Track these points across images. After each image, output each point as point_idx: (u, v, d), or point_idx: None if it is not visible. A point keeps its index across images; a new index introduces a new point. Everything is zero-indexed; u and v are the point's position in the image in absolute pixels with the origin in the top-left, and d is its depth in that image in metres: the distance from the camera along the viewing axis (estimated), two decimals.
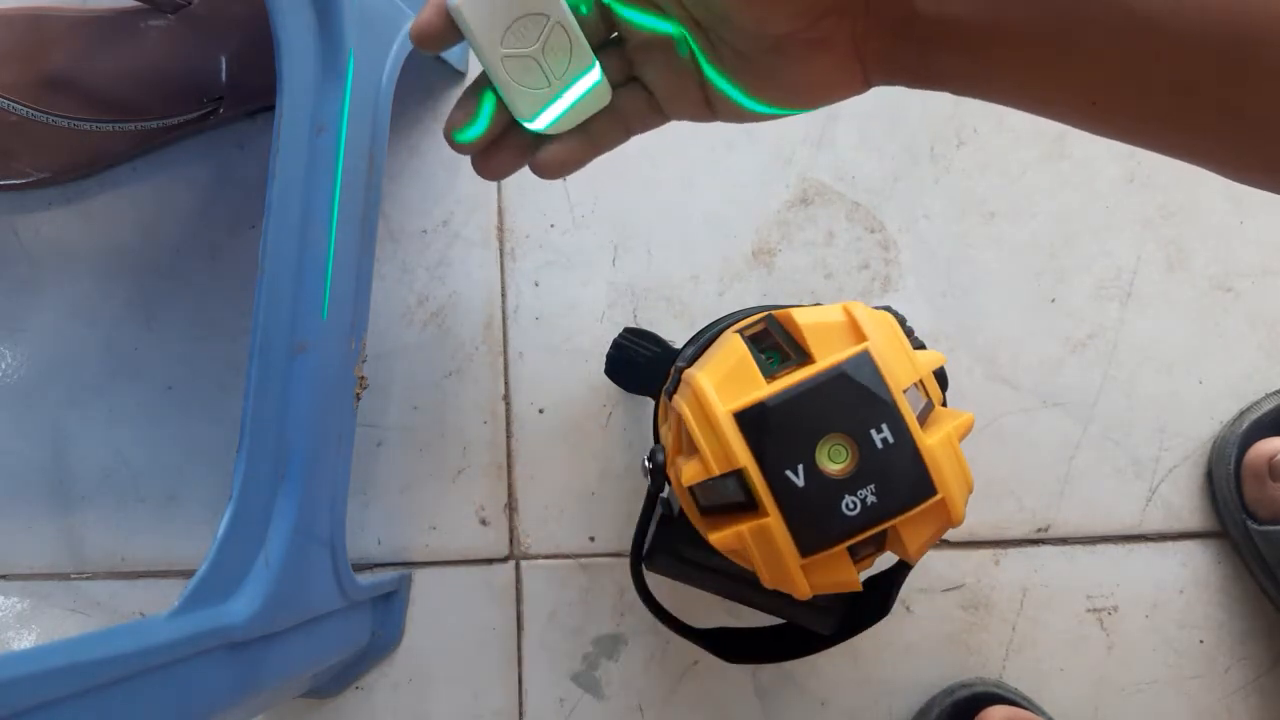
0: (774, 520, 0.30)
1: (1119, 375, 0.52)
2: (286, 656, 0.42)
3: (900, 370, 0.31)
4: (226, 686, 0.37)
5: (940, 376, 0.37)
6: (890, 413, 0.30)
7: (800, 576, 0.30)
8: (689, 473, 0.32)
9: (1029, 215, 0.53)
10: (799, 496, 0.30)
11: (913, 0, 0.27)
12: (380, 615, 0.53)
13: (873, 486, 0.30)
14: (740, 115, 0.32)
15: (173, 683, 0.33)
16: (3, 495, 0.57)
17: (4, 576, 0.57)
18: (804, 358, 0.32)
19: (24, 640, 0.56)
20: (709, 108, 0.32)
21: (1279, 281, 0.52)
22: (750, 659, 0.46)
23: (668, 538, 0.40)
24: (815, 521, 0.30)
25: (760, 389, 0.31)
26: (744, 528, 0.31)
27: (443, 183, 0.57)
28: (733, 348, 0.32)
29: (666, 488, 0.37)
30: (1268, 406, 0.50)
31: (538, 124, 0.32)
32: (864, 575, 0.42)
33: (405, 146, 0.57)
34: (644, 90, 0.33)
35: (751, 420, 0.30)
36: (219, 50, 0.53)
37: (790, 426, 0.30)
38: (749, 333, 0.34)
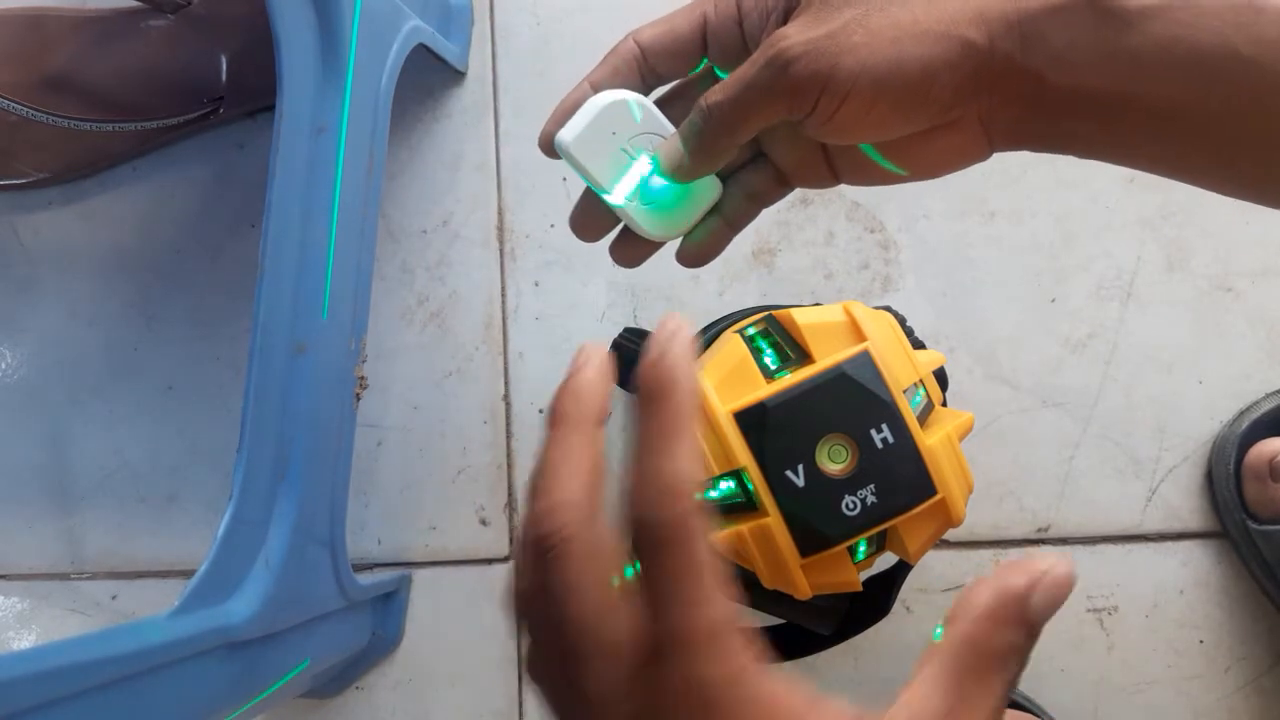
0: (774, 520, 0.30)
1: (1119, 375, 0.52)
2: (286, 656, 0.42)
3: (900, 370, 0.31)
4: (226, 686, 0.37)
5: (940, 376, 0.37)
6: (890, 413, 0.30)
7: (800, 577, 0.30)
8: None
9: (1029, 215, 0.53)
10: (799, 497, 0.30)
11: (1044, 75, 0.26)
12: (380, 615, 0.53)
13: (873, 486, 0.30)
14: (863, 182, 0.33)
15: (173, 683, 0.33)
16: (3, 495, 0.57)
17: (4, 576, 0.57)
18: (804, 358, 0.32)
19: (24, 640, 0.56)
20: (834, 175, 0.33)
21: (1279, 281, 0.52)
22: None
23: None
24: (815, 522, 0.30)
25: (760, 389, 0.31)
26: (744, 528, 0.31)
27: (443, 182, 0.56)
28: (733, 348, 0.32)
29: None
30: (1268, 406, 0.49)
31: (658, 235, 0.34)
32: (864, 575, 0.42)
33: (405, 146, 0.57)
34: (770, 165, 0.34)
35: (751, 420, 0.30)
36: (219, 50, 0.53)
37: (790, 426, 0.30)
38: (749, 333, 0.34)
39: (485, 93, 0.57)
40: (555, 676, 0.23)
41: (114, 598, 0.56)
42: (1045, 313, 0.53)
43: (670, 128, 0.33)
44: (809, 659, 0.51)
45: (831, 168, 0.33)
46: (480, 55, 0.57)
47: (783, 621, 0.44)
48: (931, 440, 0.30)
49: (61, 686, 0.28)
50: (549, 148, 0.33)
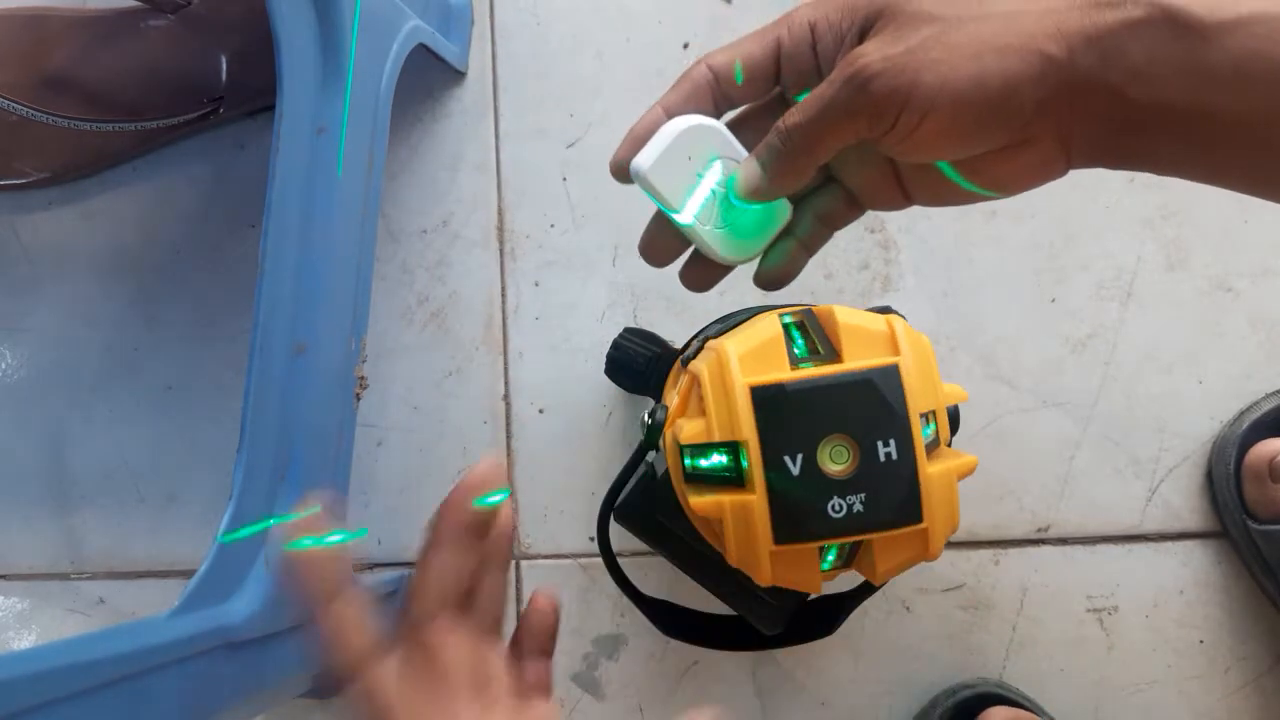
0: (758, 499, 0.30)
1: (1119, 375, 0.52)
2: (286, 656, 0.42)
3: (923, 395, 0.31)
4: (226, 686, 0.37)
5: (953, 417, 0.37)
6: (901, 430, 0.30)
7: (766, 562, 0.31)
8: (689, 431, 0.32)
9: (1029, 215, 0.53)
10: (789, 484, 0.30)
11: (1124, 90, 0.26)
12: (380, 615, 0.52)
13: (863, 496, 0.30)
14: (936, 203, 0.33)
15: (173, 683, 0.33)
16: (3, 495, 0.57)
17: (4, 576, 0.57)
18: (832, 356, 0.32)
19: (24, 640, 0.56)
20: (906, 197, 0.33)
21: (1279, 281, 0.52)
22: (688, 639, 0.45)
23: (644, 495, 0.40)
24: (798, 513, 0.30)
25: (783, 371, 0.31)
26: (725, 499, 0.31)
27: (443, 183, 0.57)
28: (768, 325, 0.32)
29: (652, 453, 0.37)
30: (1268, 407, 0.49)
31: (730, 259, 0.34)
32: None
33: (405, 146, 0.57)
34: (842, 188, 0.34)
35: (766, 399, 0.30)
36: (219, 50, 0.53)
37: (801, 415, 0.30)
38: (785, 320, 0.34)
39: (485, 93, 0.57)
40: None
41: (111, 598, 0.56)
42: (1045, 313, 0.53)
43: (744, 152, 0.33)
44: (810, 660, 0.51)
45: (903, 189, 0.33)
46: (480, 55, 0.57)
47: (731, 615, 0.44)
48: (933, 469, 0.30)
49: (61, 686, 0.28)
50: (622, 174, 0.33)
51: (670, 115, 0.32)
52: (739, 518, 0.30)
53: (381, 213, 0.54)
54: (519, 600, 0.53)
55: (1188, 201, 0.53)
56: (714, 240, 0.33)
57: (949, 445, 0.34)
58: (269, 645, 0.40)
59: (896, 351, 0.31)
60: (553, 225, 0.55)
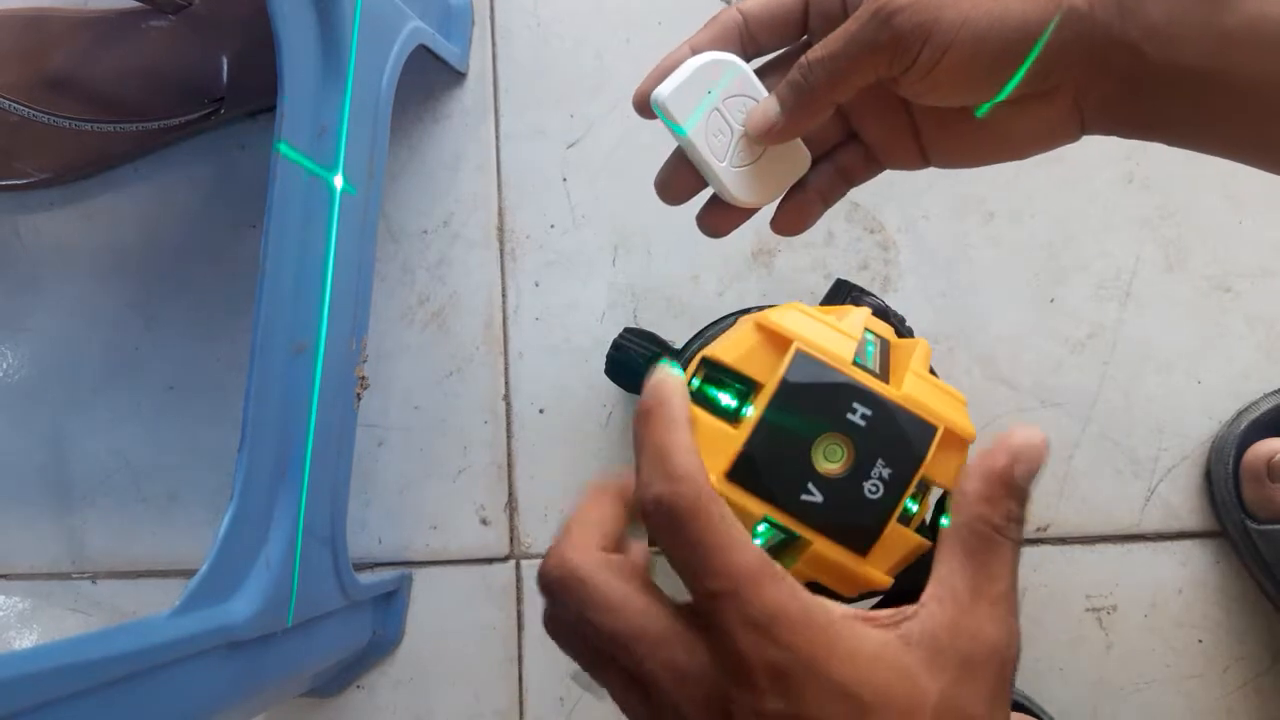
0: (819, 543, 0.30)
1: (1118, 375, 0.52)
2: (287, 656, 0.42)
3: (838, 346, 0.31)
4: (227, 686, 0.37)
5: (882, 315, 0.37)
6: (851, 390, 0.30)
7: (872, 572, 0.30)
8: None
9: (1028, 215, 0.53)
10: (826, 509, 0.30)
11: (1141, 48, 0.26)
12: (381, 614, 0.53)
13: (881, 460, 0.30)
14: (951, 163, 0.33)
15: (173, 682, 0.33)
16: (4, 495, 0.57)
17: (5, 576, 0.57)
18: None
19: (24, 640, 0.56)
20: (923, 158, 0.34)
21: (1278, 281, 0.52)
22: None
23: None
24: (853, 522, 0.30)
25: (733, 439, 0.30)
26: (800, 563, 0.31)
27: (443, 183, 0.57)
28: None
29: None
30: (1266, 406, 0.50)
31: (744, 201, 0.34)
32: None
33: (405, 146, 0.57)
34: (861, 144, 0.34)
35: (743, 471, 0.30)
36: (220, 51, 0.53)
37: (779, 456, 0.30)
38: (694, 386, 0.33)
39: (485, 93, 0.57)
40: (612, 677, 0.25)
41: (112, 598, 0.56)
42: (1044, 312, 0.53)
43: (765, 92, 0.33)
44: None
45: (920, 147, 0.33)
46: (481, 56, 0.57)
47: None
48: (904, 388, 0.30)
49: (61, 686, 0.28)
50: (644, 106, 0.33)
51: (696, 54, 0.33)
52: (820, 565, 0.30)
53: (382, 213, 0.54)
54: (520, 601, 0.54)
55: (1186, 202, 0.53)
56: (730, 180, 0.33)
57: (898, 336, 0.34)
58: (269, 645, 0.40)
59: (788, 341, 0.30)
60: (553, 225, 0.56)
